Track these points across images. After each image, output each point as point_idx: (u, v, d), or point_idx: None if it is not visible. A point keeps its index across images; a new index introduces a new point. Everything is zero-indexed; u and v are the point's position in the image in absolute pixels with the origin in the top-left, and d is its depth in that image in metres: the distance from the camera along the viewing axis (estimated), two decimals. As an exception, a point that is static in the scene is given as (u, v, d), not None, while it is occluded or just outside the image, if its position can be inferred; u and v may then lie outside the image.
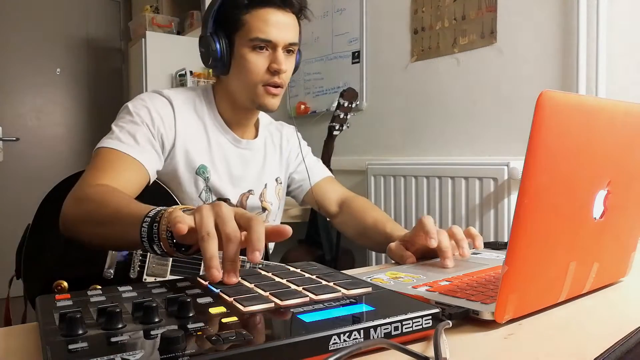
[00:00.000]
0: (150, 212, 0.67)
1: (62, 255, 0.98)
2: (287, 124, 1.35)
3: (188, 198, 1.07)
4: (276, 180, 1.24)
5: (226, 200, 1.10)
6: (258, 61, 1.03)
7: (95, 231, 0.80)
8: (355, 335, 0.45)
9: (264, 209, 1.20)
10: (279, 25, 1.03)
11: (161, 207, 0.69)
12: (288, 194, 1.33)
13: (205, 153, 1.09)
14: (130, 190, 0.93)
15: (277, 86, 1.06)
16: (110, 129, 1.00)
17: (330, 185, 1.29)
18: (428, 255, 0.86)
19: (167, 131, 1.03)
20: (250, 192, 1.16)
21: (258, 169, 1.19)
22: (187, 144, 1.06)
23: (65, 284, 0.95)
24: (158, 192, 1.06)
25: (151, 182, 1.02)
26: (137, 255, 0.99)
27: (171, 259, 0.98)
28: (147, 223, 0.66)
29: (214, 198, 1.09)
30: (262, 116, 1.26)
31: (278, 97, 1.08)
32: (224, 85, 1.12)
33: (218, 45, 1.04)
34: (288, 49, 1.06)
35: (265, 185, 1.20)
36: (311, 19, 1.13)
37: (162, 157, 1.04)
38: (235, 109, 1.13)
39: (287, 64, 1.06)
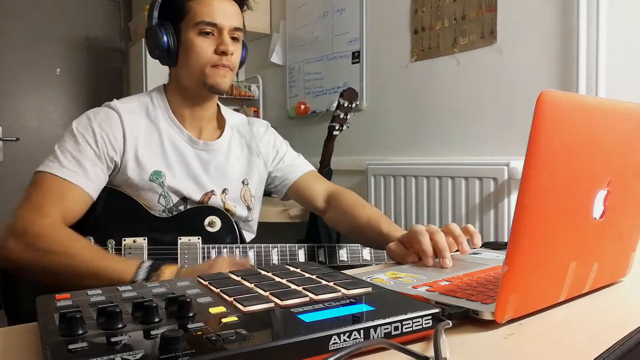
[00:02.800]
0: (137, 274, 0.81)
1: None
2: (259, 120, 1.30)
3: (148, 204, 1.06)
4: (243, 182, 1.20)
5: (185, 199, 1.08)
6: (205, 44, 1.05)
7: (59, 281, 0.83)
8: (355, 335, 0.45)
9: (227, 210, 1.16)
10: (223, 10, 1.05)
11: (146, 268, 0.82)
12: (269, 192, 1.30)
13: (158, 158, 1.07)
14: (72, 217, 0.96)
15: (225, 67, 1.07)
16: (53, 151, 0.99)
17: (315, 179, 1.27)
18: None
19: (113, 145, 1.02)
20: (212, 192, 1.13)
21: (218, 172, 1.15)
22: (138, 152, 1.05)
23: None
24: (122, 196, 1.05)
25: (94, 200, 1.01)
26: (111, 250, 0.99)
27: (146, 258, 0.98)
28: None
29: (175, 201, 1.07)
30: (230, 115, 1.23)
31: (228, 78, 1.08)
32: (174, 77, 1.12)
33: (165, 36, 1.05)
34: (233, 36, 1.08)
35: (225, 190, 1.16)
36: (252, 8, 1.15)
37: (111, 172, 1.04)
38: (189, 101, 1.11)
39: (234, 46, 1.07)
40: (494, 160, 1.76)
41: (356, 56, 2.50)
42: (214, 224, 1.05)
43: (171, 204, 1.06)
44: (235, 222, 1.10)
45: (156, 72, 2.96)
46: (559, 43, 1.72)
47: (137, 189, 1.05)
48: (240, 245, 1.05)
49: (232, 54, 1.06)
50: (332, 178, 2.16)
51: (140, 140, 1.05)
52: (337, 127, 2.08)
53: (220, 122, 1.20)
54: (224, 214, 1.07)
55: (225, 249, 1.02)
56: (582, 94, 1.62)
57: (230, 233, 1.06)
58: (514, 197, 1.67)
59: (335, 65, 2.62)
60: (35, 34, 3.44)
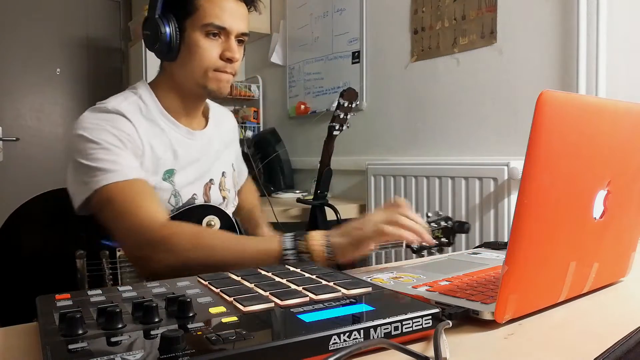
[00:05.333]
0: (284, 244, 0.82)
1: (30, 275, 0.96)
2: (223, 108, 1.29)
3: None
4: (232, 166, 1.21)
5: (193, 198, 1.07)
6: (211, 47, 1.01)
7: (209, 270, 0.77)
8: (355, 335, 0.45)
9: (223, 198, 1.15)
10: (233, 13, 1.01)
11: (291, 236, 0.83)
12: None
13: (167, 155, 1.04)
14: (164, 208, 0.96)
15: (228, 73, 1.05)
16: (83, 166, 0.92)
17: (249, 185, 1.37)
18: None
19: (134, 144, 0.98)
20: (211, 181, 1.12)
21: (215, 158, 1.15)
22: (153, 150, 1.01)
23: None
24: None
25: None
26: (107, 274, 0.97)
27: None
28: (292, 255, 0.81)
29: (185, 201, 1.05)
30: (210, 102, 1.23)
31: (229, 84, 1.06)
32: (168, 73, 1.08)
33: (168, 29, 1.00)
34: (239, 39, 1.05)
35: (223, 173, 1.16)
36: (261, 11, 1.12)
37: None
38: (182, 98, 1.08)
39: (239, 52, 1.04)
40: (494, 160, 1.76)
41: (356, 56, 2.50)
42: (212, 224, 1.05)
43: (180, 203, 1.05)
44: (234, 218, 1.09)
45: (156, 72, 2.96)
46: (559, 43, 1.72)
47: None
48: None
49: (237, 61, 1.04)
50: (332, 178, 2.16)
51: (151, 139, 1.02)
52: (337, 127, 2.08)
53: (205, 111, 1.20)
54: (221, 212, 1.06)
55: None
56: (582, 94, 1.62)
57: (229, 230, 1.05)
58: (514, 197, 1.67)
59: (335, 65, 2.62)
60: (35, 34, 3.43)
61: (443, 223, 1.16)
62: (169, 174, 1.03)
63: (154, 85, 1.09)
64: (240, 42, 1.05)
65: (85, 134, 0.93)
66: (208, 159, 1.13)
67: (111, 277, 0.95)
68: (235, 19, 1.02)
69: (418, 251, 1.11)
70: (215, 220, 1.05)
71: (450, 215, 1.18)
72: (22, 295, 0.92)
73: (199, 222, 1.03)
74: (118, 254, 0.96)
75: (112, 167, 0.91)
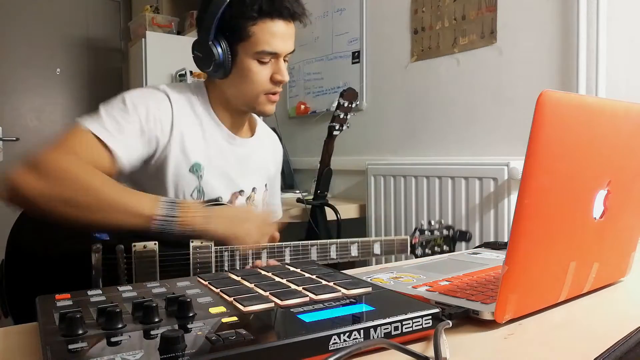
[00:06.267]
0: (158, 212, 0.84)
1: (44, 278, 0.95)
2: (271, 130, 1.33)
3: (179, 196, 1.05)
4: (265, 185, 1.22)
5: (217, 200, 1.08)
6: (263, 72, 1.04)
7: (74, 215, 0.83)
8: (355, 335, 0.45)
9: None
10: (284, 37, 1.03)
11: (165, 204, 0.84)
12: None
13: (201, 150, 1.07)
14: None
15: (276, 93, 1.08)
16: (97, 110, 0.96)
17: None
18: None
19: (162, 127, 1.01)
20: (240, 192, 1.14)
21: (250, 170, 1.17)
22: (184, 140, 1.04)
23: None
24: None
25: (125, 172, 0.99)
26: (122, 268, 0.97)
27: (158, 265, 0.97)
28: (160, 225, 0.85)
29: (205, 198, 1.07)
30: (259, 119, 1.26)
31: (276, 103, 1.10)
32: (218, 86, 1.10)
33: (221, 53, 1.02)
34: (285, 57, 1.07)
35: (254, 189, 1.18)
36: (310, 21, 1.13)
37: (151, 153, 1.02)
38: (229, 110, 1.12)
39: (287, 71, 1.07)
40: (494, 160, 1.76)
41: (356, 56, 2.50)
42: None
43: (202, 199, 1.06)
44: None
45: (156, 72, 2.96)
46: (559, 43, 1.72)
47: (172, 179, 1.04)
48: (254, 246, 1.04)
49: (286, 82, 1.07)
50: (332, 178, 2.16)
51: (186, 128, 1.05)
52: (337, 127, 2.08)
53: (252, 122, 1.22)
54: None
55: (238, 251, 1.01)
56: (582, 94, 1.62)
57: None
58: (514, 197, 1.67)
59: (335, 65, 2.62)
60: (35, 34, 3.43)
61: (445, 232, 1.17)
62: (197, 167, 1.06)
63: (207, 89, 1.13)
64: (285, 59, 1.08)
65: (126, 96, 1.00)
66: (243, 169, 1.15)
67: (126, 271, 0.95)
68: (286, 41, 1.04)
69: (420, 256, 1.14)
70: None
71: (450, 217, 1.19)
72: (36, 294, 0.93)
73: None
74: (133, 248, 0.95)
75: (109, 125, 0.95)
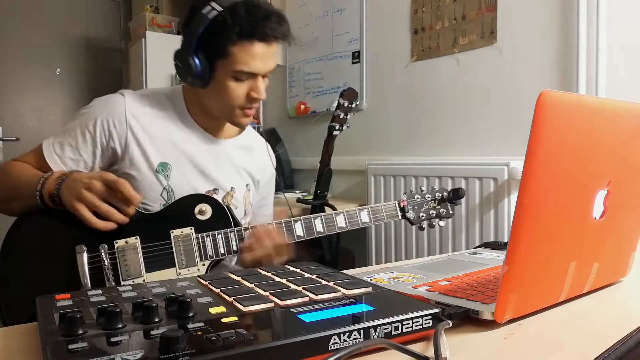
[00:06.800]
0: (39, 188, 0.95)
1: (34, 277, 0.96)
2: (260, 137, 1.33)
3: (149, 198, 1.05)
4: (246, 186, 1.22)
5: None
6: (239, 89, 1.05)
7: (5, 207, 1.03)
8: (355, 335, 0.45)
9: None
10: (263, 57, 1.04)
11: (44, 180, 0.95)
12: None
13: (167, 150, 1.08)
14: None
15: (252, 108, 1.10)
16: (62, 130, 1.09)
17: (267, 219, 1.34)
18: None
19: (113, 132, 1.05)
20: (215, 190, 1.14)
21: (229, 169, 1.17)
22: (145, 141, 1.06)
23: None
24: None
25: None
26: (107, 265, 0.97)
27: (141, 257, 0.98)
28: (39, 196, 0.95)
29: (176, 197, 1.07)
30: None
31: (251, 117, 1.12)
32: (196, 93, 1.11)
33: (200, 66, 1.04)
34: (265, 75, 1.09)
35: (232, 188, 1.18)
36: (293, 43, 1.13)
37: (112, 159, 1.07)
38: (206, 116, 1.14)
39: (264, 88, 1.09)
40: (494, 160, 1.76)
41: (356, 56, 2.50)
42: (204, 212, 1.05)
43: (173, 199, 1.06)
44: (227, 206, 1.09)
45: (156, 72, 2.96)
46: (559, 43, 1.72)
47: (138, 180, 1.05)
48: (236, 229, 1.04)
49: (262, 99, 1.09)
50: (332, 178, 2.16)
51: (149, 131, 1.07)
52: (337, 127, 2.08)
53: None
54: (214, 200, 1.07)
55: (220, 235, 1.02)
56: (582, 94, 1.62)
57: (222, 219, 1.06)
58: (514, 197, 1.67)
59: (335, 65, 2.62)
60: (35, 34, 3.43)
61: (438, 194, 1.19)
62: (162, 167, 1.07)
63: (184, 92, 1.15)
64: (264, 76, 1.09)
65: (80, 111, 1.11)
66: (220, 167, 1.15)
67: (111, 267, 0.96)
68: (265, 62, 1.05)
69: (416, 222, 1.18)
70: (207, 207, 1.05)
71: (446, 187, 1.22)
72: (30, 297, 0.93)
73: (192, 210, 1.05)
74: (116, 245, 0.96)
75: (58, 148, 1.07)
